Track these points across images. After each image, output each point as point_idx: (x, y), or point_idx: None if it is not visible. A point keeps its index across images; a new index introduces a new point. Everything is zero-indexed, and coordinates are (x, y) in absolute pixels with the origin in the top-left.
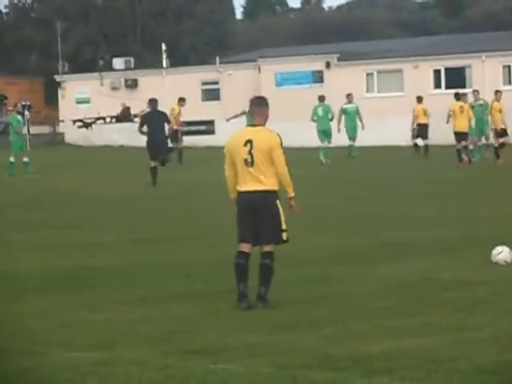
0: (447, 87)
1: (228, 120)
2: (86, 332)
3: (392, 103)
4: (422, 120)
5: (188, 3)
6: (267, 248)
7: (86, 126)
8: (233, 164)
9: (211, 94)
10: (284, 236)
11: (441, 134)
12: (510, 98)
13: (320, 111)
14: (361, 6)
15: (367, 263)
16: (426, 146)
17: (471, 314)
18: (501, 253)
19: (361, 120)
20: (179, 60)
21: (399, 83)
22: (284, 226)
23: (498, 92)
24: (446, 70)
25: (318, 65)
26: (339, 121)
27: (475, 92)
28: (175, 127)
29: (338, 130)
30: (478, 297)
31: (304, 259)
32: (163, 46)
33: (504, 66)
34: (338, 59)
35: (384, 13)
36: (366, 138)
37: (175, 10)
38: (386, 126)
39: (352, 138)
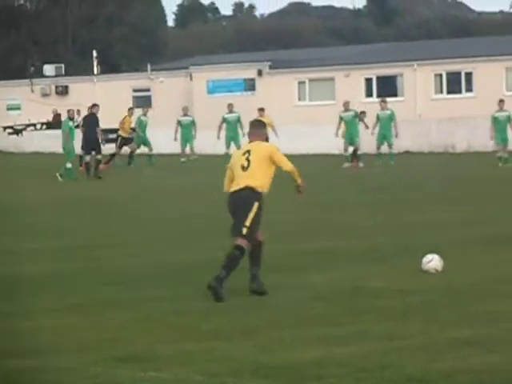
0: (379, 96)
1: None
2: (14, 339)
3: (324, 111)
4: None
5: (119, 10)
6: (237, 241)
7: (17, 132)
8: (232, 178)
9: (142, 101)
10: (244, 230)
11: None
12: (443, 106)
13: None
14: (293, 13)
15: (299, 271)
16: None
17: (402, 322)
18: (431, 261)
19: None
20: (110, 67)
21: (331, 91)
22: (247, 223)
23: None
24: (378, 78)
25: (249, 73)
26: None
27: (382, 102)
28: (124, 134)
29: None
30: (409, 305)
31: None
32: (94, 53)
33: (436, 75)
34: (270, 67)
35: (316, 21)
36: (297, 146)
37: (107, 16)
38: (317, 134)
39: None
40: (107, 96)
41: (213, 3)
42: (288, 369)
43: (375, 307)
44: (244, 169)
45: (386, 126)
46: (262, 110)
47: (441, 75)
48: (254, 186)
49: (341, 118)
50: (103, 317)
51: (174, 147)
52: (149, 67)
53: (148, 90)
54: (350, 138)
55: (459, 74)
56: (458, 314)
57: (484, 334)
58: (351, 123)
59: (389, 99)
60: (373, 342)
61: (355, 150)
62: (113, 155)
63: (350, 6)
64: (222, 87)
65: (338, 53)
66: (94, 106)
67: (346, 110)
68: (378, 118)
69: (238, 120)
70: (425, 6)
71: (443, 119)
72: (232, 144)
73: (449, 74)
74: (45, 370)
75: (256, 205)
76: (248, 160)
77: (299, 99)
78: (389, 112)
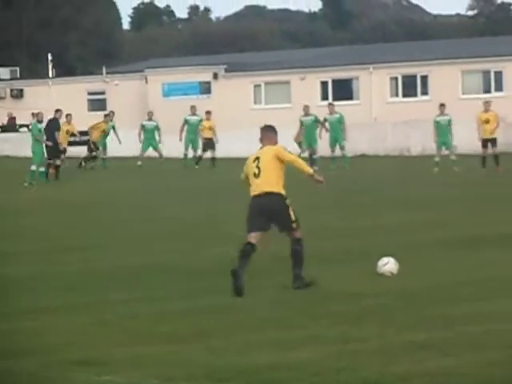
0: (334, 99)
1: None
2: None
3: (279, 115)
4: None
5: (75, 14)
6: (294, 235)
7: None
8: (247, 175)
9: (97, 104)
10: (294, 225)
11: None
12: (399, 109)
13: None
14: (249, 16)
15: (253, 275)
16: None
17: (357, 325)
18: (386, 264)
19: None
20: (66, 70)
21: (286, 95)
22: (293, 218)
23: (485, 103)
24: (334, 81)
25: (205, 76)
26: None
27: (330, 105)
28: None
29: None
30: (365, 308)
31: (191, 270)
32: (49, 56)
33: (391, 78)
34: (226, 70)
35: (272, 24)
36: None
37: (62, 20)
38: None
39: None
40: (62, 99)
41: (168, 6)
42: (242, 373)
43: (331, 310)
44: (256, 176)
45: (335, 130)
46: (208, 113)
47: (396, 78)
48: (272, 191)
49: (301, 123)
50: (58, 321)
51: (128, 150)
52: (104, 70)
53: (103, 93)
54: (309, 142)
55: (415, 77)
56: (413, 318)
57: (439, 337)
58: (311, 127)
59: (344, 102)
60: (328, 346)
61: (311, 154)
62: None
63: (306, 9)
64: (178, 90)
65: (294, 56)
66: (58, 111)
67: (306, 114)
68: (327, 122)
69: (200, 123)
70: (381, 9)
71: (399, 122)
72: (190, 146)
73: (404, 78)
74: (1, 373)
75: (288, 202)
76: (258, 167)
77: (255, 102)
78: (337, 116)
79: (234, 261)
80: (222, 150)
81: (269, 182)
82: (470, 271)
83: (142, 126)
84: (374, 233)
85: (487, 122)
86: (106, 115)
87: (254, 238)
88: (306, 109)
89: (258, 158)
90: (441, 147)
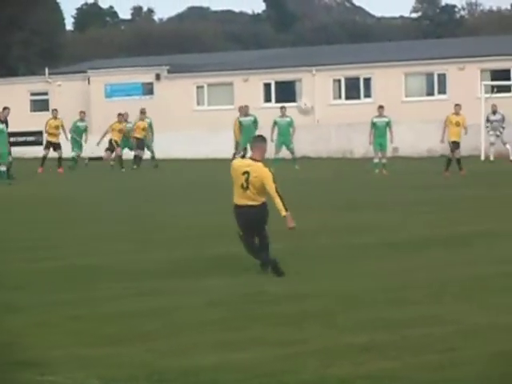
0: (277, 101)
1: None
2: None
3: (222, 116)
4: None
5: (18, 14)
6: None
7: None
8: (234, 179)
9: (40, 104)
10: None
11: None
12: (342, 112)
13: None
14: (192, 18)
15: (195, 277)
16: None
17: (298, 327)
18: None
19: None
20: (8, 71)
21: (229, 96)
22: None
23: (456, 105)
24: (276, 83)
25: (147, 77)
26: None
27: (283, 108)
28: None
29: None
30: (306, 310)
31: (134, 272)
32: None
33: (334, 80)
34: (168, 71)
35: (215, 25)
36: (196, 150)
37: (4, 20)
38: (216, 139)
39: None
40: (4, 100)
41: (111, 7)
42: (184, 374)
43: (272, 312)
44: (244, 188)
45: (285, 133)
46: (143, 112)
47: (339, 81)
48: (256, 204)
49: (240, 123)
50: (2, 321)
51: (70, 151)
52: (46, 71)
53: (46, 94)
54: (244, 142)
55: (358, 79)
56: (355, 320)
57: (381, 339)
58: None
59: (287, 104)
60: (269, 348)
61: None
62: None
63: (249, 11)
64: (120, 91)
65: (237, 57)
66: (5, 109)
67: (246, 115)
68: (277, 124)
69: (150, 125)
70: (324, 10)
71: (342, 124)
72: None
73: (347, 80)
74: None
75: (267, 212)
76: (247, 182)
77: (198, 104)
78: (288, 119)
79: (179, 263)
80: (165, 151)
81: (255, 197)
82: (414, 273)
83: (76, 127)
84: (317, 234)
85: (458, 124)
86: (119, 114)
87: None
88: (245, 109)
89: (248, 172)
90: (377, 149)
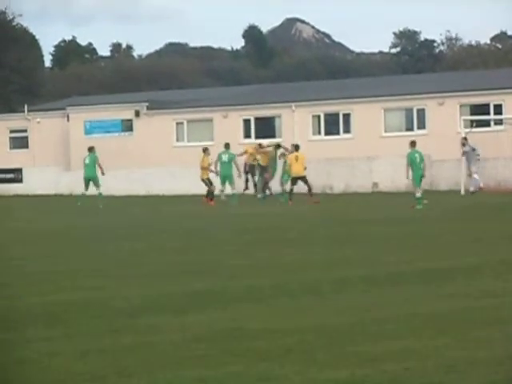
0: (257, 137)
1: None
2: None
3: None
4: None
5: None
6: None
7: None
8: None
9: (19, 141)
10: None
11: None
12: (321, 147)
13: (225, 158)
14: (170, 54)
15: (176, 312)
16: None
17: (278, 363)
18: None
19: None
20: None
21: (209, 132)
22: None
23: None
24: (256, 119)
25: (127, 113)
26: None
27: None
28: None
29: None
30: (287, 346)
31: (112, 309)
32: None
33: (313, 116)
34: (148, 108)
35: (194, 61)
36: (176, 186)
37: None
38: (195, 175)
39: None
40: None
41: (90, 44)
42: None
43: (252, 348)
44: None
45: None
46: (91, 149)
47: (319, 116)
48: None
49: (220, 158)
50: None
51: (50, 188)
52: (26, 108)
53: (25, 131)
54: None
55: (337, 115)
56: (335, 355)
57: (361, 374)
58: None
59: (267, 141)
60: None
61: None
62: None
63: (228, 47)
64: (100, 128)
65: (216, 94)
66: None
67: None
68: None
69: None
70: (303, 46)
71: (321, 160)
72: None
73: (327, 115)
74: None
75: None
76: None
77: (177, 140)
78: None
79: (155, 299)
80: (145, 188)
81: None
82: (392, 307)
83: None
84: (296, 269)
85: None
86: (205, 149)
87: None
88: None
89: None
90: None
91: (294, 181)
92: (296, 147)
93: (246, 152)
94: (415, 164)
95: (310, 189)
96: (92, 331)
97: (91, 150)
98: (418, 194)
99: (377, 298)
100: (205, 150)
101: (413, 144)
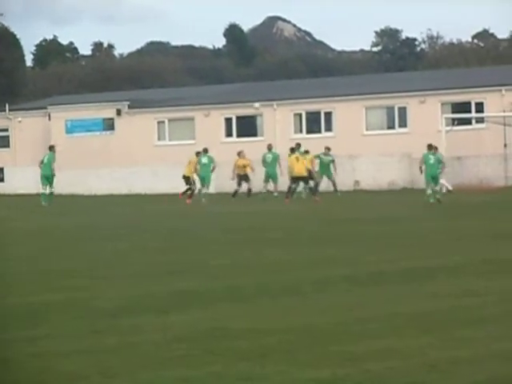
0: (238, 135)
1: None
2: None
3: (183, 151)
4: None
5: None
6: None
7: None
8: None
9: (1, 141)
10: None
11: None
12: (303, 145)
13: (204, 160)
14: (152, 53)
15: (158, 312)
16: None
17: (259, 363)
18: None
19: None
20: None
21: (191, 131)
22: None
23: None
24: (238, 118)
25: (108, 112)
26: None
27: (269, 145)
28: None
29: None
30: (268, 345)
31: (94, 309)
32: None
33: (295, 114)
34: (129, 107)
35: (176, 60)
36: (158, 185)
37: None
38: (177, 174)
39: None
40: None
41: (72, 43)
42: None
43: (234, 348)
44: None
45: (272, 166)
46: (51, 147)
47: (300, 115)
48: None
49: (199, 161)
50: None
51: (32, 187)
52: (7, 107)
53: (6, 130)
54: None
55: (319, 113)
56: (316, 355)
57: (343, 374)
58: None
59: (248, 139)
60: None
61: (194, 190)
62: None
63: (210, 46)
64: (81, 127)
65: (198, 92)
66: None
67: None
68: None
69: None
70: (285, 45)
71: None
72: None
73: (308, 114)
74: None
75: None
76: None
77: (159, 139)
78: (276, 154)
79: (136, 299)
80: (127, 186)
81: None
82: (375, 307)
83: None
84: (279, 269)
85: None
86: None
87: None
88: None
89: None
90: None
91: (295, 180)
92: (297, 146)
93: (236, 165)
94: (428, 164)
95: (312, 188)
96: (75, 332)
97: (51, 148)
98: (429, 191)
99: (359, 297)
100: (197, 153)
101: (429, 147)
